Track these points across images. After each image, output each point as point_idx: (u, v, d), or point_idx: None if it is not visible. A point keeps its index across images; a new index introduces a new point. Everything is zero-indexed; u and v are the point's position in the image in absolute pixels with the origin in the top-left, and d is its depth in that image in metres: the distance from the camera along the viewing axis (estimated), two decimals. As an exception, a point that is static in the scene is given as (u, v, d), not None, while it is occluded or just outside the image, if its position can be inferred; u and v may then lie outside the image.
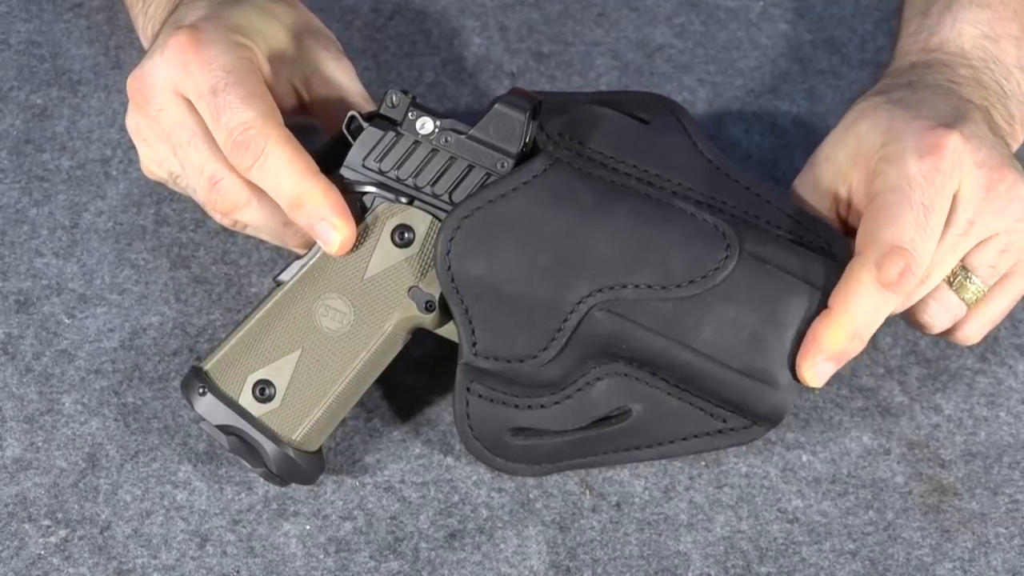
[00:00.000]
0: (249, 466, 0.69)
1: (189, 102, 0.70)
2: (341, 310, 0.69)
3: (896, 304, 0.68)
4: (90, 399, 0.75)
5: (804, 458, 0.75)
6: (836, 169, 0.72)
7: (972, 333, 0.73)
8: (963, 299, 0.70)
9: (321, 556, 0.70)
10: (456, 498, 0.72)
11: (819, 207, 0.73)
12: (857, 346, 0.68)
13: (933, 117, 0.69)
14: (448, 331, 0.70)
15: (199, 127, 0.70)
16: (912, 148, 0.68)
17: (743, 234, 0.68)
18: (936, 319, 0.71)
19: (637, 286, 0.67)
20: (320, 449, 0.71)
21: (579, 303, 0.67)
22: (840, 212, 0.73)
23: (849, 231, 0.72)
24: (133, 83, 0.71)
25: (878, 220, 0.67)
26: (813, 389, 0.69)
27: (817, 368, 0.67)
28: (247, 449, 0.68)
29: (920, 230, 0.67)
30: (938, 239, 0.67)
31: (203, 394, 0.68)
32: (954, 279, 0.70)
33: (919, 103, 0.71)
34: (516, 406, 0.70)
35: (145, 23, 0.80)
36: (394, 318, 0.69)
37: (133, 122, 0.73)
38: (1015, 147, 0.75)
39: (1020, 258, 0.70)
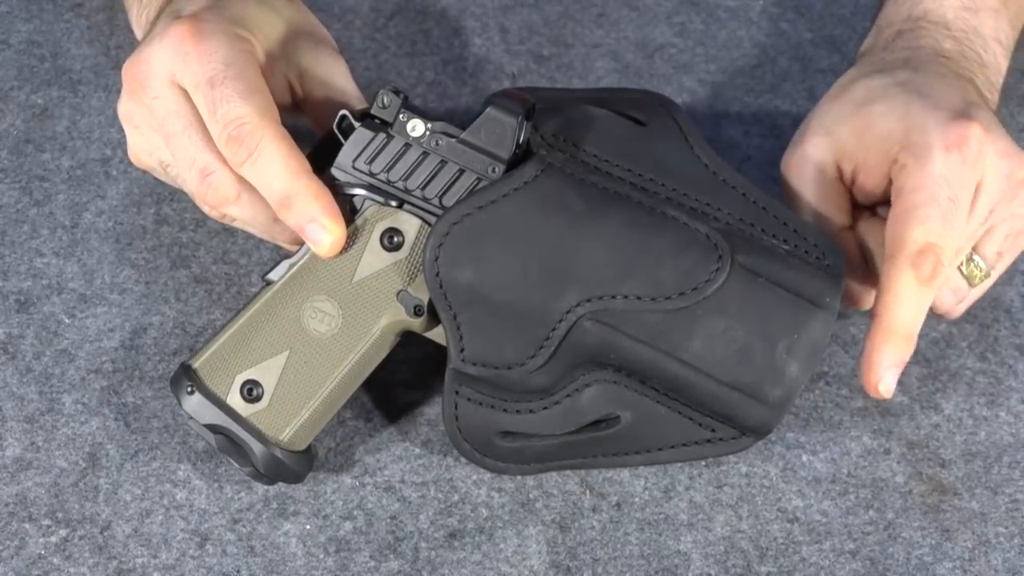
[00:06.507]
0: (236, 465, 0.69)
1: (185, 92, 0.69)
2: (329, 313, 0.69)
3: (932, 297, 0.69)
4: (90, 399, 0.75)
5: (804, 458, 0.74)
6: (838, 145, 0.73)
7: (961, 309, 0.76)
8: (969, 280, 0.73)
9: (321, 556, 0.70)
10: (456, 498, 0.72)
11: (813, 180, 0.73)
12: (912, 346, 0.70)
13: (948, 106, 0.70)
14: (437, 335, 0.70)
15: (194, 118, 0.69)
16: (938, 141, 0.69)
17: (735, 245, 0.67)
18: (944, 300, 0.74)
19: (627, 297, 0.66)
20: (308, 448, 0.70)
21: (568, 312, 0.67)
22: (842, 182, 0.74)
23: (854, 203, 0.74)
24: (129, 69, 0.70)
25: (908, 221, 0.69)
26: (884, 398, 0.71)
27: (885, 380, 0.69)
28: (235, 448, 0.68)
29: (947, 224, 0.68)
30: (963, 229, 0.69)
31: (191, 393, 0.68)
32: (963, 263, 0.72)
33: (928, 88, 0.72)
34: (504, 410, 0.70)
35: (140, 11, 0.79)
36: (382, 322, 0.69)
37: (125, 108, 0.72)
38: None
39: (1017, 244, 0.73)
